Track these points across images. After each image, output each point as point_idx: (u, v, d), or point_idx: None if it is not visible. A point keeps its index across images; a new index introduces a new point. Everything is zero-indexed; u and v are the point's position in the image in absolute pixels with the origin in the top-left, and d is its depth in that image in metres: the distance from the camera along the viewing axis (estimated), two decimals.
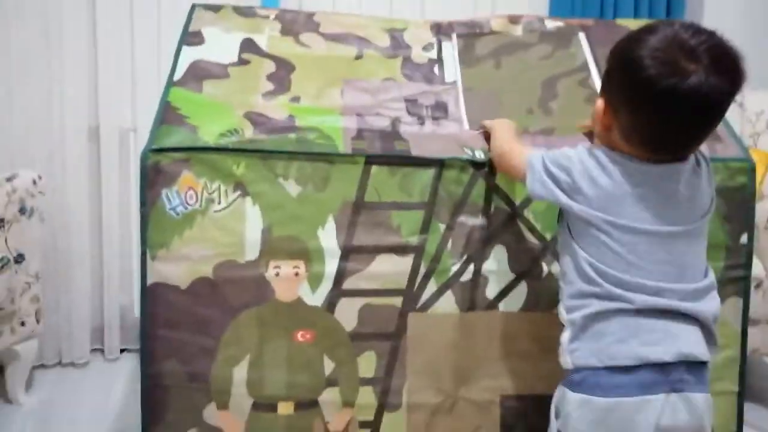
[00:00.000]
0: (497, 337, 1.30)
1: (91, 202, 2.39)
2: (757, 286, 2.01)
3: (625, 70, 1.00)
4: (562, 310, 1.08)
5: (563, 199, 1.03)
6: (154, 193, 1.19)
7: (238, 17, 1.58)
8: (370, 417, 1.27)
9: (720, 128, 1.33)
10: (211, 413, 1.22)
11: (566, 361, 1.04)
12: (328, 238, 1.24)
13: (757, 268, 1.99)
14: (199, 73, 1.38)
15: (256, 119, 1.30)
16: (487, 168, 1.28)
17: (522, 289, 1.30)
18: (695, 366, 0.99)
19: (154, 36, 2.37)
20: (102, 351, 2.50)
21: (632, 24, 1.65)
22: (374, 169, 1.25)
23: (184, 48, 1.45)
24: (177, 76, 1.37)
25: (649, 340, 0.98)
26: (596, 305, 1.00)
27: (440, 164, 1.27)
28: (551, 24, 1.66)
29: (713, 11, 3.08)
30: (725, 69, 0.95)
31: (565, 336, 1.05)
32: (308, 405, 1.25)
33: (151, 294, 1.20)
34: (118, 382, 2.29)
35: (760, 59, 3.28)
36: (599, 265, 1.00)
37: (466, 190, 1.28)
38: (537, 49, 1.59)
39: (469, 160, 1.28)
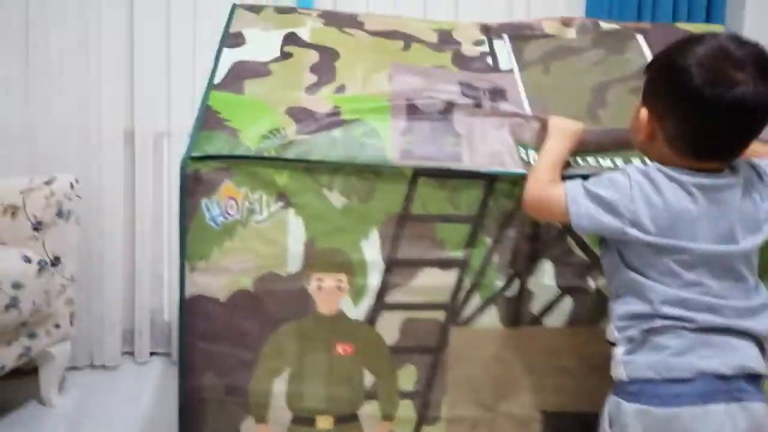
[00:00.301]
0: (540, 352, 1.27)
1: (125, 206, 2.42)
2: None
3: (671, 78, 1.02)
4: (613, 329, 1.07)
5: (620, 231, 1.02)
6: (194, 202, 1.18)
7: (280, 15, 1.56)
8: (410, 431, 1.25)
9: None
10: (248, 427, 1.20)
11: (620, 372, 1.04)
12: (372, 251, 1.22)
13: None
14: (240, 74, 1.36)
15: (298, 115, 1.26)
16: None
17: (567, 304, 1.26)
18: (753, 378, 1.00)
19: (190, 39, 2.38)
20: (132, 354, 2.52)
21: (692, 28, 1.61)
22: (421, 180, 1.22)
23: (225, 50, 1.43)
24: (217, 79, 1.36)
25: (707, 354, 0.99)
26: (655, 322, 1.01)
27: (491, 178, 1.23)
28: (606, 26, 1.61)
29: (755, 15, 3.02)
30: None
31: (619, 350, 1.05)
32: (348, 419, 1.23)
33: (189, 306, 1.18)
34: (148, 385, 2.31)
35: None
36: (657, 286, 1.01)
37: (516, 203, 1.23)
38: (590, 54, 1.54)
39: (522, 175, 1.22)
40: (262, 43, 1.46)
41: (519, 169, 1.23)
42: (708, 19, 2.26)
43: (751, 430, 0.98)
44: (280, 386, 1.21)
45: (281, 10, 1.59)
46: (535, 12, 2.30)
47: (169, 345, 2.55)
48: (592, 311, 1.26)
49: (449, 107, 1.30)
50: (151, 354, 2.54)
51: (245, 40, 1.47)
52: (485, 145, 1.26)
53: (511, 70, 1.46)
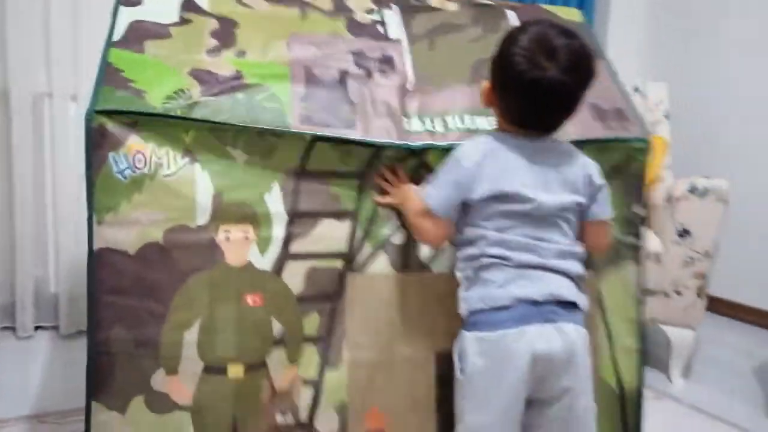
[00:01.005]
0: (430, 296, 1.40)
1: (1, 170, 2.31)
2: (656, 260, 2.25)
3: (500, 60, 1.22)
4: (456, 272, 1.28)
5: (464, 193, 1.22)
6: (100, 156, 1.19)
7: None
8: (314, 375, 1.34)
9: (627, 110, 1.53)
10: (159, 379, 1.24)
11: (462, 308, 1.24)
12: (275, 203, 1.30)
13: (654, 243, 2.26)
14: (140, 34, 1.37)
15: (202, 77, 1.31)
16: (420, 150, 1.38)
17: (451, 251, 1.40)
18: (565, 305, 1.19)
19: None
20: (13, 329, 2.43)
21: (554, 9, 1.79)
22: (318, 144, 1.33)
23: (121, 8, 1.42)
24: (116, 37, 1.36)
25: (524, 285, 1.18)
26: (482, 261, 1.21)
27: (379, 147, 1.36)
28: (482, 0, 1.75)
29: (620, 10, 3.37)
30: (575, 68, 1.17)
31: (461, 289, 1.26)
32: (257, 366, 1.30)
33: (97, 259, 1.20)
34: (34, 361, 2.23)
35: (661, 54, 3.60)
36: (485, 231, 1.21)
37: (399, 163, 1.38)
38: (470, 32, 1.66)
39: (404, 147, 1.37)
40: (159, 4, 1.46)
41: (402, 141, 1.38)
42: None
43: (565, 346, 1.17)
44: (190, 337, 1.25)
45: None
46: None
47: (56, 317, 2.49)
48: None
49: (344, 76, 1.42)
50: (36, 328, 2.47)
51: (141, 0, 1.47)
52: (376, 116, 1.39)
53: (399, 40, 1.57)
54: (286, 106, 1.33)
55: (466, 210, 1.24)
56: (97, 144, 1.19)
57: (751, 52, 3.13)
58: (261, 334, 1.30)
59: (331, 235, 1.35)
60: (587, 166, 1.28)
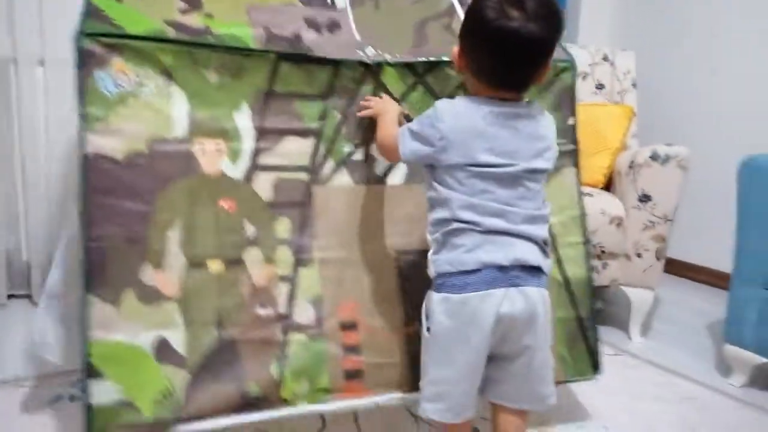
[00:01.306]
0: (387, 205, 1.64)
1: None
2: (618, 224, 2.45)
3: (470, 17, 1.29)
4: (427, 235, 1.37)
5: (432, 154, 1.30)
6: (87, 72, 1.39)
7: None
8: (289, 272, 1.56)
9: None
10: (147, 273, 1.43)
11: (431, 270, 1.33)
12: (244, 120, 1.52)
13: (617, 208, 2.46)
14: None
15: (176, 26, 1.52)
16: (374, 68, 1.62)
17: (403, 167, 1.66)
18: (530, 269, 1.28)
19: None
20: None
21: None
22: (282, 64, 1.55)
23: None
24: None
25: (491, 250, 1.26)
26: (452, 225, 1.28)
27: (337, 64, 1.59)
28: None
29: None
30: (542, 17, 1.21)
31: (430, 252, 1.34)
32: (235, 262, 1.51)
33: (89, 164, 1.39)
34: (7, 330, 2.34)
35: (630, 24, 3.93)
36: (455, 194, 1.29)
37: (358, 86, 1.61)
38: None
39: (361, 62, 1.61)
40: None
41: (357, 57, 1.61)
42: None
43: (527, 308, 1.26)
44: (173, 235, 1.45)
45: None
46: None
47: (28, 286, 2.59)
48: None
49: (298, 33, 1.63)
50: (9, 297, 2.57)
51: None
52: (330, 48, 1.62)
53: (344, 9, 1.79)
54: (251, 42, 1.55)
55: (436, 169, 1.32)
56: (84, 62, 1.39)
57: (717, 23, 3.30)
58: (236, 234, 1.51)
59: (296, 150, 1.57)
60: (554, 130, 1.35)
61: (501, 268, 1.25)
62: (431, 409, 1.32)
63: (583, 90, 3.03)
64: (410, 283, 1.63)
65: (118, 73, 1.41)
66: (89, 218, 1.39)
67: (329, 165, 1.60)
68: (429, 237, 1.35)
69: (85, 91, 1.39)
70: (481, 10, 1.23)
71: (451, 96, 1.63)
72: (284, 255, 1.55)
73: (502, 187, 1.27)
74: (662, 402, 2.07)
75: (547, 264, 1.32)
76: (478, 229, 1.26)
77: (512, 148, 1.28)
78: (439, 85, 1.69)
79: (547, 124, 1.35)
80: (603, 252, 2.46)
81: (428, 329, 1.32)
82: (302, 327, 1.54)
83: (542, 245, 1.31)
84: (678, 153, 2.38)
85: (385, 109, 1.54)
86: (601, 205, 2.45)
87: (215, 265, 1.49)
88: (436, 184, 1.32)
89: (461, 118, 1.28)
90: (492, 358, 1.32)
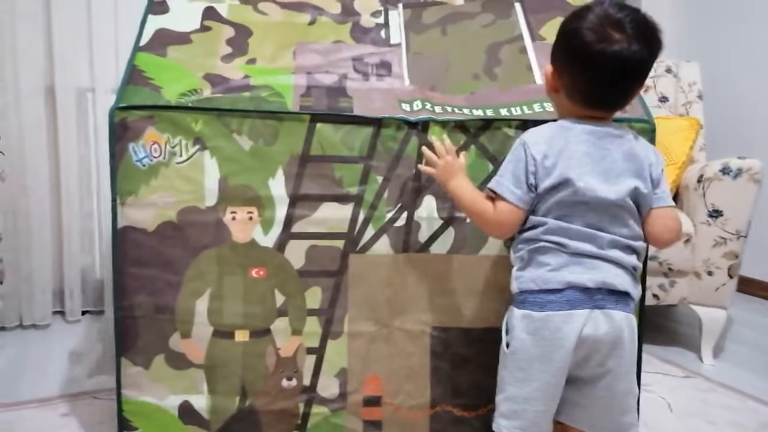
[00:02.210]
0: (428, 276, 1.64)
1: (50, 162, 2.66)
2: (687, 241, 2.41)
3: (567, 39, 1.34)
4: (511, 253, 1.42)
5: (534, 186, 1.34)
6: (122, 146, 1.50)
7: None
8: (316, 344, 1.61)
9: None
10: (176, 341, 1.55)
11: (513, 286, 1.38)
12: (278, 187, 1.57)
13: (685, 224, 2.41)
14: (163, 40, 1.68)
15: (213, 80, 1.60)
16: (419, 126, 1.61)
17: (449, 234, 1.64)
18: (616, 293, 1.32)
19: None
20: (63, 313, 2.77)
21: None
22: (319, 125, 1.58)
23: (150, 17, 1.75)
24: (143, 42, 1.67)
25: (577, 271, 1.30)
26: (539, 243, 1.34)
27: (378, 123, 1.60)
28: None
29: None
30: (644, 38, 1.29)
31: (514, 268, 1.40)
32: (262, 333, 1.58)
33: (121, 236, 1.51)
34: (80, 344, 2.53)
35: (693, 35, 3.80)
36: (544, 218, 1.34)
37: (401, 145, 1.60)
38: (480, 18, 1.91)
39: (404, 120, 1.60)
40: (184, 13, 1.78)
41: (400, 114, 1.61)
42: None
43: (612, 331, 1.30)
44: (202, 305, 1.55)
45: None
46: None
47: (101, 302, 2.81)
48: (470, 239, 1.63)
49: (343, 79, 1.68)
50: (83, 312, 2.80)
51: (168, 9, 1.78)
52: (372, 103, 1.64)
53: (399, 44, 1.82)
54: (288, 100, 1.60)
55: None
56: (119, 136, 1.50)
57: None
58: (265, 304, 1.58)
59: (333, 217, 1.60)
60: (649, 154, 1.38)
61: (585, 290, 1.29)
62: (506, 425, 1.36)
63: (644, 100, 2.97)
64: (442, 362, 1.64)
65: (151, 144, 1.51)
66: (121, 288, 1.52)
67: (369, 232, 1.62)
68: (513, 254, 1.41)
69: (118, 165, 1.51)
70: (581, 32, 1.30)
71: None
72: (313, 326, 1.61)
73: (593, 212, 1.32)
74: (739, 428, 2.00)
75: (636, 290, 1.35)
76: (566, 250, 1.31)
77: (605, 171, 1.33)
78: (494, 145, 1.63)
79: (644, 145, 1.40)
80: (671, 270, 2.46)
81: (507, 345, 1.37)
82: (325, 400, 1.60)
83: (632, 271, 1.35)
84: (751, 166, 2.35)
85: (451, 174, 1.48)
86: None
87: (242, 336, 1.57)
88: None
89: (554, 143, 1.34)
90: (572, 381, 1.35)
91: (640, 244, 1.37)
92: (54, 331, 2.69)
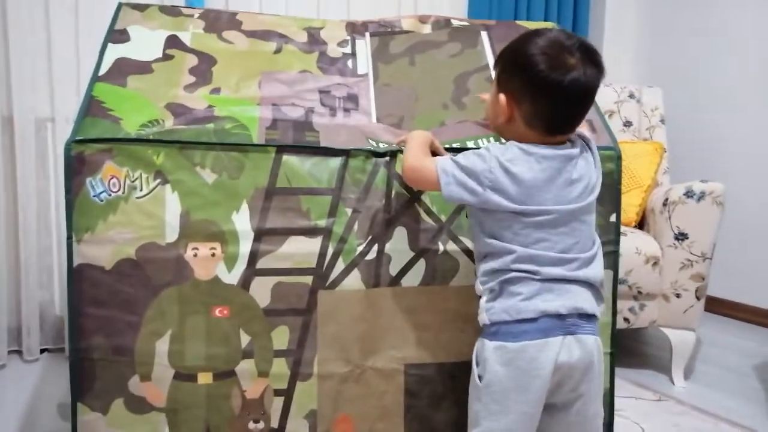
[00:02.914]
0: (400, 310, 1.63)
1: (6, 194, 2.63)
2: (654, 263, 2.50)
3: (523, 67, 1.36)
4: (478, 284, 1.43)
5: (482, 196, 1.36)
6: (79, 181, 1.48)
7: (164, 16, 1.88)
8: (284, 386, 1.59)
9: (596, 120, 1.72)
10: (135, 384, 1.52)
11: (484, 317, 1.38)
12: (242, 222, 1.56)
13: (653, 247, 2.53)
14: (123, 69, 1.68)
15: (176, 110, 1.60)
16: (388, 157, 1.62)
17: (420, 265, 1.64)
18: (586, 317, 1.36)
19: (72, 25, 2.64)
20: (20, 352, 2.73)
21: (530, 25, 2.06)
22: (285, 157, 1.58)
23: (110, 45, 1.75)
24: (102, 72, 1.67)
25: (549, 298, 1.33)
26: (509, 274, 1.35)
27: (346, 154, 1.61)
28: (457, 23, 2.02)
29: (614, 18, 3.78)
30: (595, 63, 1.35)
31: (483, 300, 1.40)
32: (226, 375, 1.56)
33: (77, 274, 1.49)
34: (39, 385, 2.49)
35: (655, 61, 4.04)
36: (510, 246, 1.35)
37: (369, 177, 1.61)
38: (447, 48, 1.95)
39: (371, 151, 1.62)
40: (145, 41, 1.78)
41: (367, 146, 1.62)
42: (575, 18, 2.73)
43: (584, 356, 1.33)
44: (162, 346, 1.52)
45: (165, 10, 1.90)
46: (422, 11, 2.70)
47: (61, 340, 2.77)
48: (442, 271, 1.64)
49: (309, 113, 1.69)
50: (42, 351, 2.76)
51: (129, 37, 1.78)
52: (339, 137, 1.65)
53: (366, 75, 1.84)
54: (253, 132, 1.60)
55: (485, 220, 1.40)
56: (75, 170, 1.48)
57: (745, 56, 3.41)
58: (229, 345, 1.56)
59: (300, 251, 1.59)
60: (599, 166, 1.44)
61: (559, 316, 1.33)
62: None
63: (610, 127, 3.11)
64: (417, 399, 1.64)
65: (110, 179, 1.50)
66: (78, 329, 1.49)
67: (339, 266, 1.61)
68: (480, 286, 1.41)
69: (75, 200, 1.49)
70: (536, 59, 1.34)
71: None
72: (281, 368, 1.59)
73: (558, 234, 1.35)
74: None
75: (600, 310, 1.40)
76: (537, 277, 1.34)
77: (567, 191, 1.36)
78: None
79: (594, 157, 1.44)
80: (640, 293, 2.56)
81: (480, 377, 1.37)
82: None
83: (598, 288, 1.40)
84: (714, 189, 2.48)
85: (414, 133, 1.57)
86: (635, 244, 2.57)
87: (205, 378, 1.55)
88: (487, 238, 1.40)
89: (518, 164, 1.34)
90: (545, 408, 1.37)
91: (599, 254, 1.42)
92: (10, 371, 2.64)
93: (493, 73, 1.85)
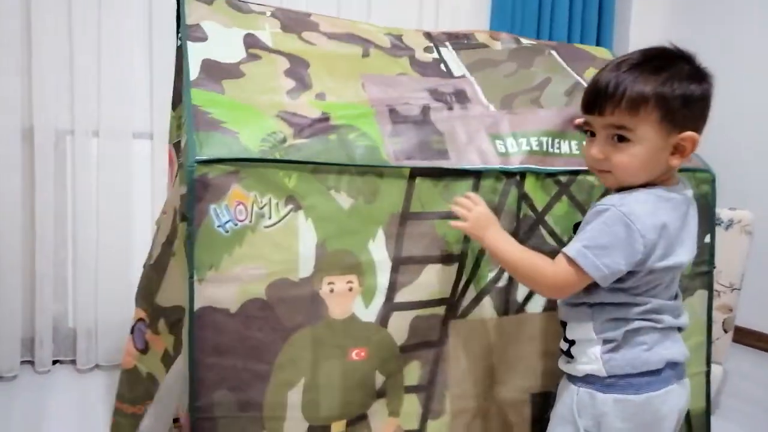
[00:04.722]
0: (526, 338, 1.23)
1: (24, 206, 2.02)
2: None
3: (704, 97, 0.98)
4: (590, 330, 1.03)
5: (635, 265, 0.96)
6: (202, 208, 0.96)
7: (234, 12, 1.33)
8: (415, 425, 1.14)
9: None
10: None
11: (597, 368, 1.02)
12: (379, 251, 1.09)
13: None
14: (214, 73, 1.15)
15: (291, 120, 1.10)
16: (518, 176, 1.20)
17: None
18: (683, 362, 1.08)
19: (94, 38, 2.02)
20: (32, 363, 2.13)
21: (591, 49, 1.66)
22: (418, 180, 1.12)
23: (189, 44, 1.19)
24: (193, 75, 1.13)
25: (668, 346, 1.02)
26: (634, 324, 1.00)
27: (478, 175, 1.17)
28: (526, 42, 1.61)
29: (638, 35, 3.03)
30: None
31: (595, 350, 1.02)
32: (358, 419, 1.09)
33: (199, 320, 0.97)
34: (50, 396, 1.96)
35: None
36: (644, 298, 1.01)
37: (501, 198, 1.18)
38: (503, 67, 1.51)
39: (503, 171, 1.19)
40: (224, 40, 1.24)
41: (499, 164, 1.19)
42: (598, 38, 2.34)
43: (686, 400, 1.06)
44: (294, 397, 1.03)
45: (233, 5, 1.36)
46: (443, 21, 2.25)
47: (73, 352, 2.19)
48: None
49: (426, 110, 1.22)
50: (54, 362, 2.17)
51: (206, 35, 1.24)
52: (467, 143, 1.20)
53: (463, 76, 1.40)
54: (379, 143, 1.13)
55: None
56: (198, 196, 0.96)
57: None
58: (365, 389, 1.09)
59: (437, 280, 1.14)
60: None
61: (675, 364, 1.04)
62: None
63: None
64: (543, 428, 1.22)
65: (236, 205, 0.98)
66: (198, 384, 0.97)
67: (470, 294, 1.17)
68: (594, 335, 1.03)
69: (196, 233, 0.96)
70: (709, 80, 0.99)
71: None
72: (411, 406, 1.14)
73: (673, 280, 1.04)
74: None
75: None
76: (659, 326, 1.02)
77: (685, 237, 1.01)
78: (582, 195, 1.26)
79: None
80: None
81: None
82: None
83: None
84: (742, 217, 2.00)
85: (484, 225, 1.07)
86: None
87: (338, 427, 1.07)
88: (614, 291, 1.00)
89: (657, 215, 0.96)
90: None
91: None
92: (22, 382, 2.06)
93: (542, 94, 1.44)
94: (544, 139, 1.25)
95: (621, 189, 1.01)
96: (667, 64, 0.97)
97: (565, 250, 0.98)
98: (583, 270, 0.96)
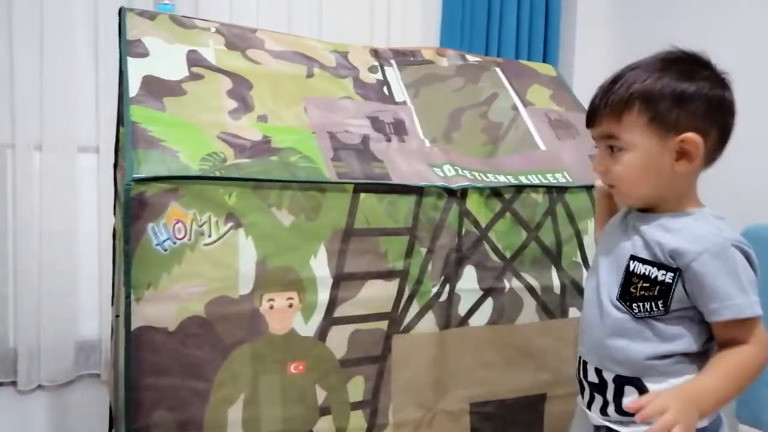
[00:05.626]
0: (468, 350, 1.26)
1: None
2: None
3: (718, 98, 0.90)
4: (659, 365, 0.92)
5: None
6: (140, 227, 0.97)
7: (177, 27, 1.35)
8: None
9: None
10: None
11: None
12: (321, 267, 1.11)
13: None
14: (155, 90, 1.16)
15: (231, 141, 1.13)
16: (458, 193, 1.24)
17: (488, 304, 1.27)
18: None
19: (37, 44, 1.99)
20: None
21: (532, 65, 1.73)
22: (363, 195, 1.15)
23: (130, 59, 1.21)
24: (132, 92, 1.14)
25: None
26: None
27: (420, 191, 1.21)
28: (471, 59, 1.66)
29: (583, 55, 3.14)
30: None
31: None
32: None
33: (136, 340, 0.97)
34: None
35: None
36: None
37: (442, 215, 1.23)
38: (451, 82, 1.57)
39: (444, 188, 1.23)
40: (166, 56, 1.26)
41: (440, 183, 1.24)
42: (545, 55, 2.41)
43: None
44: (235, 414, 1.05)
45: (176, 20, 1.37)
46: (394, 38, 2.29)
47: (14, 373, 2.12)
48: (507, 309, 1.29)
49: (366, 140, 1.27)
50: None
51: (148, 51, 1.25)
52: (407, 168, 1.25)
53: (404, 102, 1.45)
54: (321, 165, 1.16)
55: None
56: (136, 215, 0.97)
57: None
58: (305, 403, 1.11)
59: (378, 296, 1.17)
60: None
61: None
62: None
63: None
64: None
65: (174, 223, 0.99)
66: (135, 405, 0.97)
67: (413, 309, 1.21)
68: (669, 365, 0.92)
69: (134, 251, 0.97)
70: (729, 91, 0.91)
71: (539, 225, 1.30)
72: (357, 421, 1.16)
73: None
74: None
75: None
76: None
77: None
78: (526, 212, 1.31)
79: None
80: None
81: None
82: None
83: None
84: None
85: (688, 409, 0.82)
86: None
87: None
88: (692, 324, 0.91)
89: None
90: None
91: None
92: None
93: (519, 109, 1.51)
94: (477, 174, 1.31)
95: (645, 210, 0.95)
96: (661, 66, 0.92)
97: (740, 315, 0.86)
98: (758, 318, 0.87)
